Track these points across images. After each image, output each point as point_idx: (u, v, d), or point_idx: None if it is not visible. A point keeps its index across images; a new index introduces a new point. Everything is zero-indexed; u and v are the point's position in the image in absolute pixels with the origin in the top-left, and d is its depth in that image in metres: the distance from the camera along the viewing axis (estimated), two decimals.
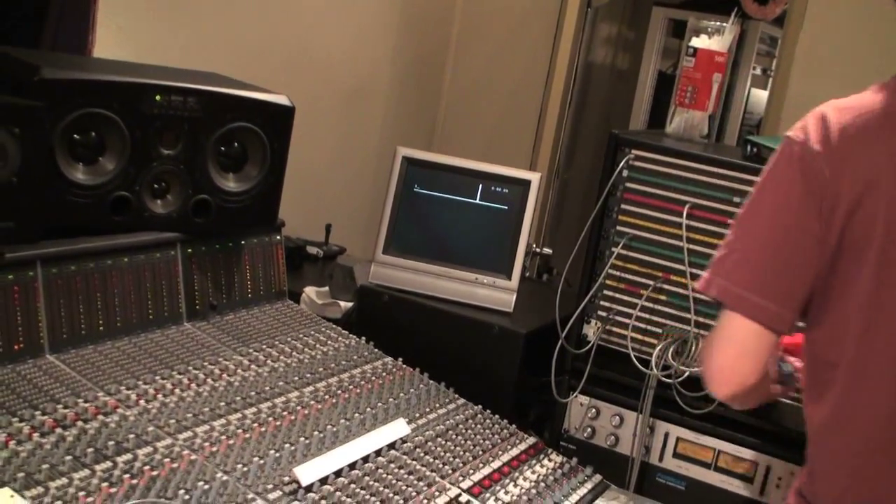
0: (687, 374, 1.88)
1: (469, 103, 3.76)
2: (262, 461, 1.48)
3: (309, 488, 1.44)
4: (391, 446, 1.64)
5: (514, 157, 3.34)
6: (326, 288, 2.34)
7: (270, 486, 1.42)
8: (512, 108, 3.70)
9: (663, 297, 1.96)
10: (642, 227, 1.97)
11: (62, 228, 1.66)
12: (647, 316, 1.97)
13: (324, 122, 3.05)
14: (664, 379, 1.91)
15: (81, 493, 1.27)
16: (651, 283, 1.96)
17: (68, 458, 1.34)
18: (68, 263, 1.64)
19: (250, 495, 1.39)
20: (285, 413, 1.64)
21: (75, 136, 1.65)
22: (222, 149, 1.86)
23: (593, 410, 2.02)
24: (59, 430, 1.40)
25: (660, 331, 1.95)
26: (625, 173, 1.98)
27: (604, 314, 2.01)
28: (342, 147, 3.26)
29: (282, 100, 1.93)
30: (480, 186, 2.20)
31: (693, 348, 1.88)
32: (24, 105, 1.50)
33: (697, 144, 2.13)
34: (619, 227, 1.98)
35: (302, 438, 1.57)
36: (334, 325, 2.04)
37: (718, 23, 2.26)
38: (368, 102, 3.37)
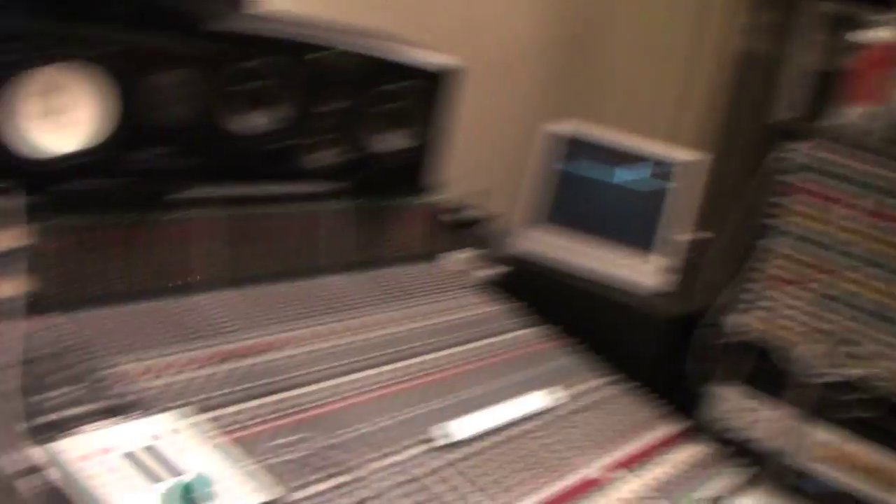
0: (842, 376, 1.83)
1: (619, 79, 3.71)
2: (403, 417, 1.51)
3: (452, 447, 1.47)
4: (536, 414, 1.65)
5: (665, 136, 3.29)
6: (473, 253, 2.36)
7: (414, 441, 1.45)
8: (662, 85, 3.64)
9: (822, 296, 1.90)
10: (803, 221, 1.92)
11: (222, 175, 1.72)
12: (802, 313, 1.92)
13: (477, 86, 3.06)
14: (817, 379, 1.86)
15: (249, 423, 1.33)
16: (809, 279, 1.90)
17: (237, 388, 1.41)
18: (226, 207, 1.70)
19: (390, 449, 1.42)
20: (432, 371, 1.67)
21: (240, 86, 1.69)
22: (383, 107, 1.89)
23: (741, 403, 1.99)
24: (230, 362, 1.46)
25: (814, 328, 1.90)
26: (788, 166, 1.92)
27: (756, 306, 1.97)
28: (493, 114, 3.27)
29: (449, 62, 1.94)
30: (635, 164, 2.18)
31: (852, 350, 1.83)
32: (192, 53, 1.55)
33: (869, 139, 2.05)
34: (780, 219, 1.93)
35: (448, 398, 1.60)
36: (481, 290, 2.06)
37: (889, 15, 2.18)
38: (519, 70, 3.36)
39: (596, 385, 1.85)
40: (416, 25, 2.58)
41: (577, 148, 2.23)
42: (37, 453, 1.10)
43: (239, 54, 1.66)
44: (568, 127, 2.24)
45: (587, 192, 2.21)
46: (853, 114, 2.15)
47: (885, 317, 1.83)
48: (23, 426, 1.18)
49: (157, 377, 1.36)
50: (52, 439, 1.14)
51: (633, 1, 3.64)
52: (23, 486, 1.08)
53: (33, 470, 1.09)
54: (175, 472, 1.13)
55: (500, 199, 3.12)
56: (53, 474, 1.08)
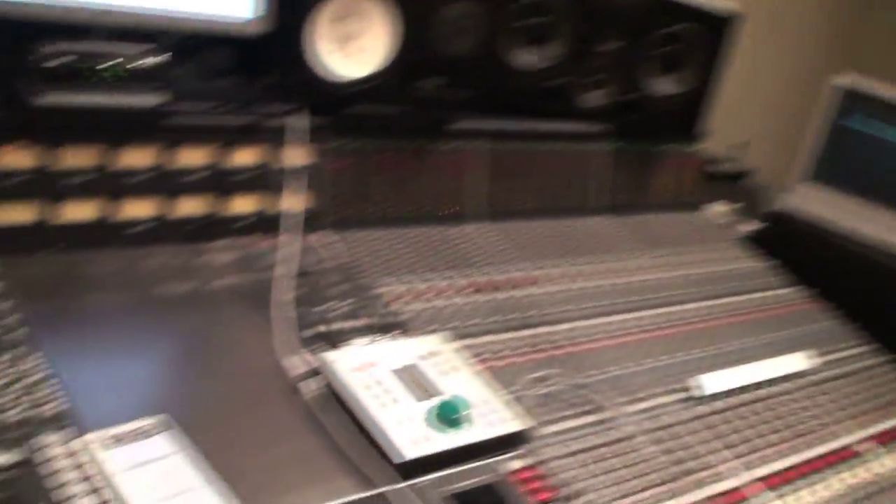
0: None
1: None
2: (659, 364, 1.50)
3: (703, 400, 1.45)
4: (790, 377, 1.60)
5: None
6: (734, 206, 2.29)
7: (666, 390, 1.44)
8: None
9: None
10: None
11: (497, 108, 1.75)
12: None
13: (753, 35, 2.94)
14: None
15: (503, 353, 1.37)
16: None
17: (492, 319, 1.44)
18: (506, 141, 1.72)
19: (645, 394, 1.42)
20: (686, 322, 1.64)
21: (521, 21, 1.70)
22: (660, 50, 1.86)
23: None
24: (487, 293, 1.50)
25: None
26: None
27: None
28: (766, 64, 3.13)
29: (730, 7, 1.87)
30: None
31: None
32: None
33: None
34: None
35: (702, 350, 1.57)
36: (742, 244, 2.00)
37: None
38: (796, 20, 3.19)
39: (854, 353, 1.76)
40: None
41: (857, 103, 2.10)
42: (313, 360, 1.18)
43: None
44: (848, 80, 2.11)
45: (863, 151, 2.08)
46: None
47: None
48: (306, 332, 1.27)
49: (418, 300, 1.42)
50: (325, 349, 1.21)
51: None
52: (304, 388, 1.16)
53: (313, 374, 1.17)
54: (435, 392, 1.18)
55: (767, 152, 3.01)
56: (328, 381, 1.15)
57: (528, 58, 1.72)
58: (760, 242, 2.13)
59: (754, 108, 3.19)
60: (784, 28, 3.15)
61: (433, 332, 1.35)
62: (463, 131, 1.67)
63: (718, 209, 2.27)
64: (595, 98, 1.84)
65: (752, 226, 2.23)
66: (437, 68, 1.57)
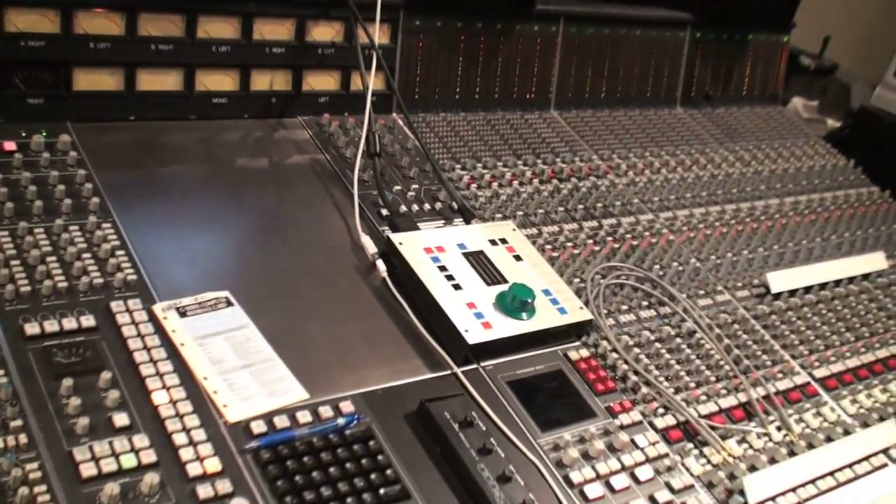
0: None
1: None
2: (735, 258, 1.47)
3: (777, 296, 1.42)
4: (865, 277, 1.56)
5: None
6: (816, 102, 2.22)
7: (740, 285, 1.42)
8: None
9: None
10: None
11: None
12: None
13: None
14: None
15: (569, 244, 1.35)
16: None
17: (561, 208, 1.42)
18: (588, 25, 1.68)
19: (719, 287, 1.40)
20: (763, 217, 1.61)
21: None
22: None
23: None
24: (555, 182, 1.48)
25: None
26: None
27: None
28: None
29: None
30: None
31: None
32: None
33: None
34: None
35: (776, 246, 1.54)
36: (823, 142, 1.94)
37: None
38: None
39: None
40: None
41: None
42: (394, 238, 1.18)
43: None
44: None
45: None
46: None
47: None
48: (383, 211, 1.27)
49: (489, 186, 1.40)
50: (399, 229, 1.21)
51: None
52: (378, 267, 1.16)
53: (390, 252, 1.17)
54: (503, 278, 1.18)
55: (851, 48, 2.89)
56: (402, 261, 1.15)
57: None
58: (843, 140, 2.06)
59: (843, 1, 3.05)
60: None
61: (503, 218, 1.34)
62: (547, 13, 1.62)
63: (806, 104, 2.20)
64: None
65: (835, 122, 2.16)
66: None
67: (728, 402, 1.19)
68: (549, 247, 1.33)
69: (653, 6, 1.78)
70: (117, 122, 1.25)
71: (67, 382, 0.88)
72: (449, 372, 1.07)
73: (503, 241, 1.25)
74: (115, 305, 0.98)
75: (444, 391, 1.03)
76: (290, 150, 1.34)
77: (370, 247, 1.18)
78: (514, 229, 1.29)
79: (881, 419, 1.27)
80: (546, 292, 1.19)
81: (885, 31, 2.08)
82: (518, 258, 1.23)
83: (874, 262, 1.59)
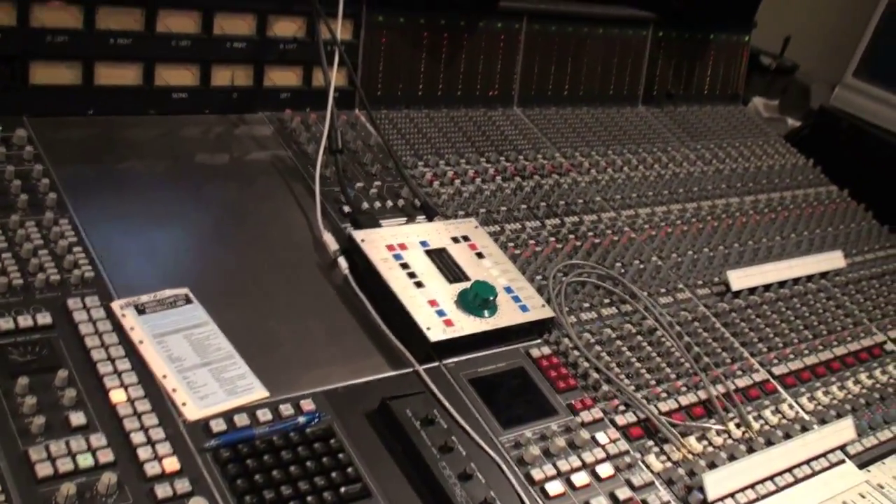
0: None
1: None
2: (695, 256, 1.48)
3: (737, 294, 1.44)
4: (823, 276, 1.58)
5: None
6: (776, 101, 2.24)
7: (700, 283, 1.43)
8: None
9: None
10: None
11: None
12: None
13: None
14: None
15: (531, 241, 1.35)
16: None
17: (523, 206, 1.42)
18: (551, 22, 1.68)
19: (680, 285, 1.41)
20: (724, 216, 1.62)
21: None
22: None
23: None
24: (517, 179, 1.48)
25: None
26: None
27: None
28: None
29: None
30: None
31: None
32: None
33: None
34: None
35: (736, 244, 1.56)
36: (783, 141, 1.96)
37: None
38: None
39: (891, 254, 1.74)
40: None
41: None
42: (356, 235, 1.17)
43: None
44: None
45: None
46: None
47: None
48: (344, 208, 1.26)
49: (453, 183, 1.40)
50: (361, 226, 1.21)
51: None
52: (342, 263, 1.15)
53: (348, 251, 1.16)
54: (465, 276, 1.18)
55: (814, 48, 2.92)
56: (363, 258, 1.14)
57: None
58: (803, 139, 2.08)
59: (803, 2, 3.08)
60: None
61: (466, 216, 1.34)
62: (510, 10, 1.62)
63: (766, 103, 2.22)
64: None
65: (795, 122, 2.19)
66: None
67: (688, 399, 1.20)
68: (511, 244, 1.33)
69: (616, 5, 1.78)
70: (75, 117, 1.23)
71: (23, 381, 0.86)
72: (411, 370, 1.07)
73: (465, 238, 1.25)
74: (72, 303, 0.97)
75: (406, 389, 1.03)
76: (252, 146, 1.33)
77: (332, 244, 1.17)
78: (476, 227, 1.29)
79: (838, 416, 1.29)
80: (508, 290, 1.19)
81: (845, 31, 2.11)
82: (480, 256, 1.23)
83: (832, 260, 1.61)
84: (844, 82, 2.04)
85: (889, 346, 1.50)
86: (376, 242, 1.17)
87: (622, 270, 1.38)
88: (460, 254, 1.22)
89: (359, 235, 1.17)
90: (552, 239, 1.38)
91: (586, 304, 1.29)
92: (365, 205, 1.29)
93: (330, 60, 1.34)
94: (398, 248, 1.18)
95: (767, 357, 1.34)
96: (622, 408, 1.14)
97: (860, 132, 2.01)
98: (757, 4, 1.90)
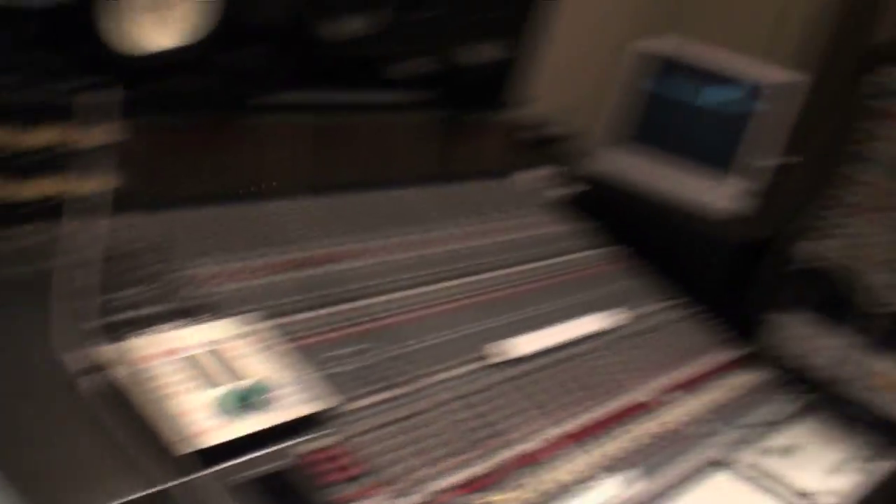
0: None
1: None
2: (472, 330, 1.52)
3: (514, 363, 1.48)
4: (599, 335, 1.66)
5: (767, 55, 3.18)
6: (550, 171, 2.34)
7: (478, 356, 1.47)
8: (766, 3, 3.51)
9: None
10: (890, 146, 1.84)
11: (311, 80, 1.72)
12: (883, 241, 1.86)
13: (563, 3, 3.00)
14: (888, 309, 1.81)
15: (307, 333, 1.36)
16: (890, 207, 1.84)
17: (298, 297, 1.43)
18: (319, 113, 1.71)
19: (456, 361, 1.44)
20: (500, 287, 1.68)
21: None
22: (475, 17, 1.86)
23: (807, 330, 1.95)
24: (292, 271, 1.48)
25: (886, 257, 1.84)
26: (877, 88, 1.84)
27: (832, 233, 1.91)
28: (579, 31, 3.19)
29: None
30: (725, 84, 2.12)
31: None
32: None
33: None
34: (867, 146, 1.86)
35: (512, 315, 1.61)
36: (553, 209, 2.05)
37: None
38: None
39: (660, 308, 1.84)
40: None
41: (666, 66, 2.17)
42: (103, 352, 1.14)
43: None
44: (657, 44, 2.18)
45: (673, 113, 2.16)
46: None
47: None
48: (92, 324, 1.22)
49: (229, 281, 1.40)
50: (120, 338, 1.18)
51: None
52: (84, 384, 1.12)
53: (96, 369, 1.13)
54: (234, 376, 1.17)
55: (584, 117, 3.08)
56: (118, 373, 1.12)
57: (343, 27, 1.70)
58: (576, 205, 2.18)
59: (581, 72, 3.25)
60: None
61: (244, 312, 1.33)
62: (277, 104, 1.63)
63: (534, 175, 2.32)
64: (412, 67, 1.84)
65: (569, 189, 2.29)
66: (249, 39, 1.52)
67: (467, 473, 1.22)
68: (287, 337, 1.33)
69: (385, 91, 1.83)
70: None
71: None
72: (165, 486, 1.03)
73: (238, 336, 1.25)
74: None
75: None
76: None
77: (80, 361, 1.14)
78: (251, 323, 1.28)
79: (617, 470, 1.34)
80: (283, 385, 1.19)
81: (605, 99, 2.24)
82: (253, 353, 1.23)
83: (609, 318, 1.69)
84: (606, 147, 2.16)
85: (666, 396, 1.58)
86: (141, 351, 1.15)
87: (404, 351, 1.40)
88: (232, 353, 1.21)
89: (114, 349, 1.14)
90: (328, 328, 1.39)
91: (367, 390, 1.30)
92: (130, 313, 1.26)
93: (91, 166, 1.32)
94: (163, 354, 1.16)
95: (543, 423, 1.39)
96: (403, 492, 1.16)
97: (621, 193, 2.13)
98: (525, 81, 1.99)
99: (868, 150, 1.86)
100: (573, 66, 3.20)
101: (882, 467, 1.63)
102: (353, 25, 1.72)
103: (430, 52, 1.83)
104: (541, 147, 2.63)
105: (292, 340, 1.32)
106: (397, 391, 1.32)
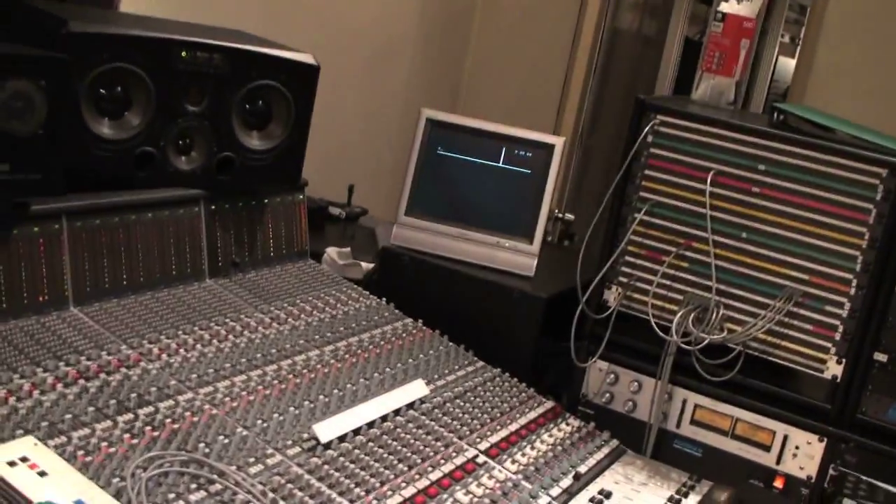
0: (706, 341, 1.87)
1: (494, 65, 3.75)
2: (281, 417, 1.49)
3: (327, 445, 1.46)
4: (410, 406, 1.65)
5: (539, 121, 3.33)
6: (348, 249, 2.35)
7: (290, 443, 1.44)
8: (537, 71, 3.68)
9: (685, 264, 1.95)
10: (665, 193, 1.95)
11: (87, 182, 1.67)
12: (668, 283, 1.96)
13: (349, 81, 3.05)
14: (683, 346, 1.90)
15: (104, 444, 1.29)
16: (673, 249, 1.94)
17: (91, 409, 1.36)
18: (93, 217, 1.64)
19: (269, 450, 1.40)
20: (305, 371, 1.65)
21: (101, 90, 1.65)
22: (247, 106, 1.86)
23: (612, 376, 2.02)
24: (81, 382, 1.41)
25: (680, 297, 1.94)
26: (649, 139, 1.96)
27: (625, 280, 2.00)
28: (366, 107, 3.25)
29: (307, 58, 1.92)
30: (504, 149, 2.19)
31: (714, 316, 1.88)
32: (50, 57, 1.50)
33: (724, 111, 2.11)
34: (641, 193, 1.97)
35: (321, 396, 1.58)
36: (355, 286, 2.05)
37: None
38: (393, 63, 3.35)
39: (469, 372, 1.86)
40: (285, 25, 2.56)
41: (448, 136, 2.23)
42: None
43: (99, 57, 1.61)
44: (438, 115, 2.24)
45: (463, 179, 2.21)
46: (714, 86, 2.21)
47: (747, 280, 1.88)
48: None
49: (6, 402, 1.31)
50: None
51: None
52: None
53: None
54: (26, 501, 1.09)
55: (375, 191, 3.12)
56: None
57: (114, 127, 1.66)
58: (372, 281, 2.19)
59: (370, 147, 3.30)
60: (387, 68, 3.30)
61: (24, 434, 1.25)
62: (46, 212, 1.56)
63: (336, 252, 2.32)
64: (188, 161, 1.81)
65: (366, 265, 2.30)
66: (7, 148, 1.45)
67: None
68: (80, 452, 1.25)
69: (164, 187, 1.79)
70: None
71: None
72: None
73: (23, 459, 1.17)
74: None
75: None
76: None
77: None
78: (35, 444, 1.20)
79: None
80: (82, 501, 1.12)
81: (398, 172, 2.27)
82: (42, 474, 1.15)
83: (415, 390, 1.69)
84: (399, 221, 2.18)
85: (481, 459, 1.59)
86: None
87: (207, 450, 1.35)
88: (17, 478, 1.13)
89: None
90: (127, 436, 1.32)
91: (172, 495, 1.24)
92: None
93: None
94: None
95: (366, 500, 1.36)
96: None
97: (419, 264, 2.15)
98: (301, 163, 1.99)
99: (647, 198, 1.96)
100: (362, 141, 3.26)
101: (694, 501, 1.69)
102: (124, 125, 1.68)
103: (208, 142, 1.81)
104: (349, 223, 2.65)
105: (90, 453, 1.25)
106: (213, 488, 1.27)
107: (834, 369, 1.84)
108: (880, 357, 1.81)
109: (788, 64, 3.71)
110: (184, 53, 1.73)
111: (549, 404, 1.86)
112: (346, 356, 1.74)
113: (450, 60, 3.68)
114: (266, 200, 1.98)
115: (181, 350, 1.58)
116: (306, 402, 1.55)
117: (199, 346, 1.62)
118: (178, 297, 1.75)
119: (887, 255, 1.78)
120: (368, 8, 3.12)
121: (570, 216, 2.54)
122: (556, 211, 2.48)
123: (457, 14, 3.64)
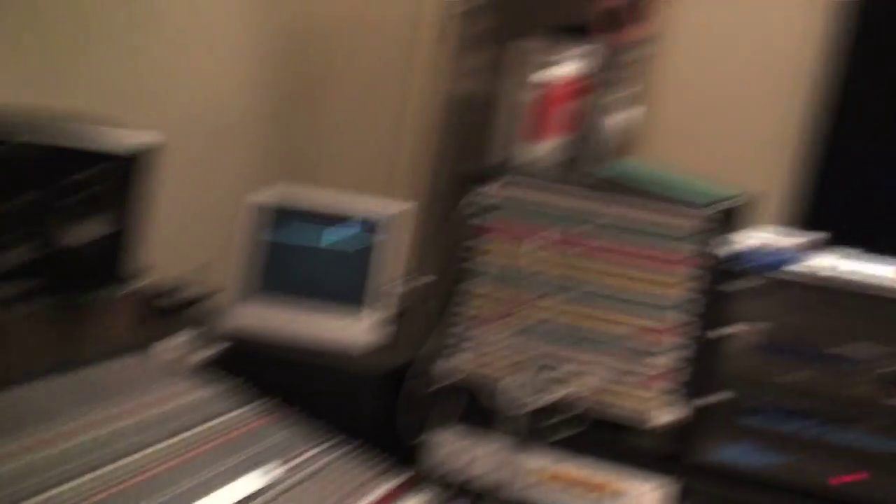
0: (551, 399, 1.91)
1: (332, 137, 3.77)
2: None
3: None
4: (256, 495, 1.62)
5: (380, 190, 3.36)
6: (188, 335, 2.30)
7: None
8: (373, 142, 3.72)
9: (525, 326, 1.98)
10: (496, 258, 1.99)
11: None
12: (507, 346, 1.99)
13: (187, 161, 3.01)
14: (528, 407, 1.93)
15: None
16: (510, 313, 1.98)
17: None
18: None
19: None
20: (142, 470, 1.59)
21: None
22: (74, 197, 1.82)
23: (461, 444, 2.03)
24: None
25: (520, 360, 1.98)
26: (475, 207, 2.00)
27: (465, 347, 2.02)
28: (204, 188, 3.21)
29: (138, 142, 1.88)
30: (341, 223, 2.21)
31: (545, 377, 1.92)
32: None
33: (548, 174, 2.18)
34: (476, 261, 2.00)
35: (161, 493, 1.53)
36: (195, 374, 2.00)
37: (572, 51, 2.33)
38: (231, 142, 3.33)
39: (315, 453, 1.83)
40: (119, 102, 2.50)
41: (282, 215, 2.23)
42: None
43: None
44: (271, 195, 2.23)
45: (296, 259, 2.21)
46: (540, 149, 2.28)
47: (578, 338, 1.94)
48: None
49: None
50: None
51: (340, 59, 3.72)
52: None
53: None
54: None
55: (216, 275, 3.07)
56: None
57: None
58: (219, 365, 2.15)
59: (207, 230, 3.25)
60: (222, 147, 3.27)
61: None
62: None
63: (173, 343, 2.26)
64: (13, 257, 1.75)
65: (209, 351, 2.25)
66: None
67: None
68: None
69: None
70: None
71: None
72: None
73: None
74: None
75: None
76: None
77: None
78: None
79: None
80: None
81: (230, 255, 2.25)
82: None
83: (258, 479, 1.66)
84: (235, 305, 2.16)
85: None
86: None
87: None
88: None
89: None
90: None
91: None
92: None
93: None
94: None
95: None
96: None
97: (256, 347, 2.13)
98: (130, 254, 1.95)
99: (478, 264, 2.00)
100: (191, 226, 3.20)
101: None
102: None
103: (31, 238, 1.75)
104: (174, 313, 2.58)
105: None
106: None
107: (667, 417, 1.90)
108: (710, 400, 1.88)
109: (627, 116, 3.87)
110: None
111: (403, 477, 1.85)
112: (186, 450, 1.68)
113: (290, 135, 3.68)
114: (98, 294, 1.93)
115: (6, 459, 1.51)
116: (149, 500, 1.50)
117: (26, 455, 1.54)
118: (1, 405, 1.67)
119: (709, 303, 1.87)
120: (202, 87, 3.10)
121: (404, 288, 2.56)
122: (392, 283, 2.50)
123: (292, 92, 3.67)
